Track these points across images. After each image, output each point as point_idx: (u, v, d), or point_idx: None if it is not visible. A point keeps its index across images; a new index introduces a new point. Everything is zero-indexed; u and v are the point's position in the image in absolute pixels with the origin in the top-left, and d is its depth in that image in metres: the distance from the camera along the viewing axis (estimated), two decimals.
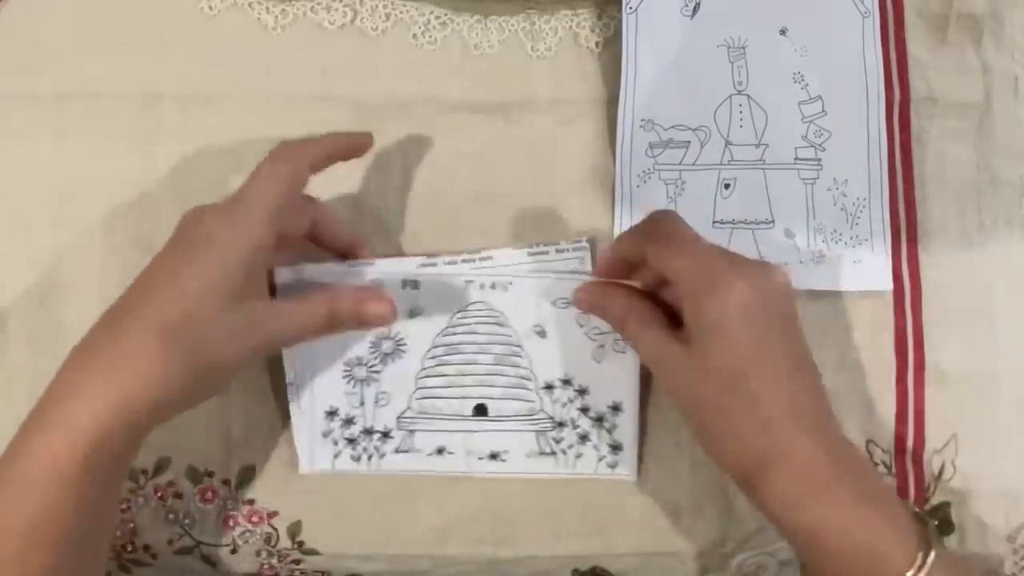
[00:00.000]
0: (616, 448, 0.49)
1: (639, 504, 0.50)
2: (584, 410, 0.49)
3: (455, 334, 0.49)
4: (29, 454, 0.38)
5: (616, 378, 0.49)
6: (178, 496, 0.50)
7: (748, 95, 0.51)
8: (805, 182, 0.50)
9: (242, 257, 0.41)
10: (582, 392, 0.49)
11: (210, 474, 0.50)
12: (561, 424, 0.49)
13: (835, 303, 0.50)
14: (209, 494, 0.50)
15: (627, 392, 0.49)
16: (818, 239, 0.50)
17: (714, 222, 0.51)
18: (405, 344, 0.49)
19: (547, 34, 0.52)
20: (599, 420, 0.49)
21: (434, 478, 0.50)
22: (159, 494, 0.50)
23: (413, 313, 0.48)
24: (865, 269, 0.50)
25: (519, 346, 0.49)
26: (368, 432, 0.49)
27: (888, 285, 0.50)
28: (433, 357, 0.49)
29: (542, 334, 0.49)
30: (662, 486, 0.50)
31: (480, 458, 0.50)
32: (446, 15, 0.52)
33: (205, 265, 0.41)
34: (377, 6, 0.51)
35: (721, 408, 0.41)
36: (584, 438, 0.49)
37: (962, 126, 0.52)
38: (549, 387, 0.49)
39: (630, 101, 0.50)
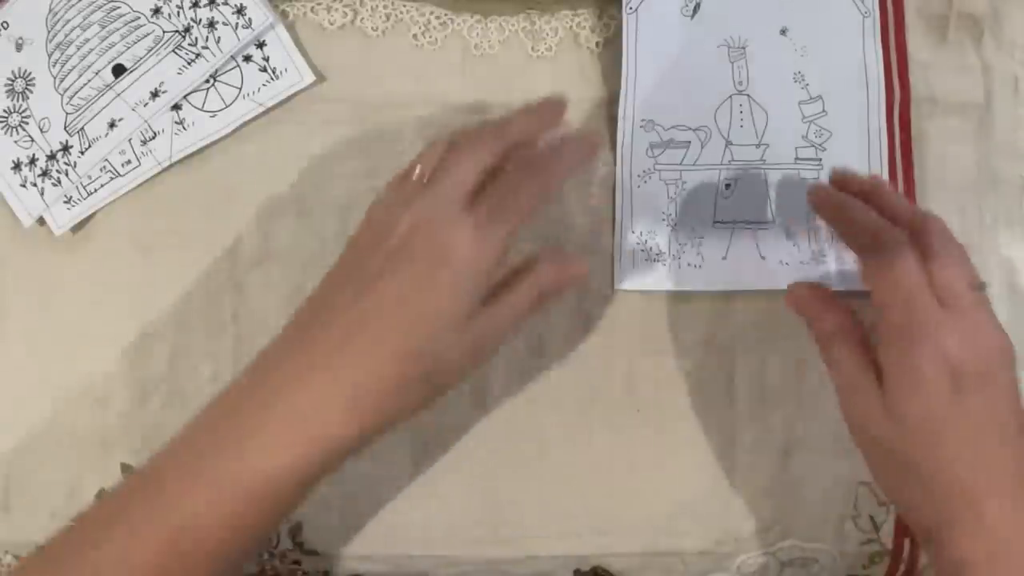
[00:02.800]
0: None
1: (639, 504, 0.51)
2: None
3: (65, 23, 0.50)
4: (257, 468, 0.37)
5: None
6: None
7: (748, 95, 0.51)
8: (805, 182, 0.51)
9: (484, 276, 0.39)
10: None
11: None
12: (188, 30, 0.49)
13: None
14: None
15: None
16: (818, 239, 0.50)
17: (715, 222, 0.51)
18: (30, 73, 0.50)
19: (547, 34, 0.52)
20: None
21: (432, 473, 0.50)
22: None
23: (19, 46, 0.50)
24: None
25: None
26: (51, 156, 0.50)
27: None
28: (56, 52, 0.50)
29: None
30: (663, 486, 0.51)
31: (145, 104, 0.50)
32: (446, 15, 0.52)
33: (448, 289, 0.38)
34: (377, 6, 0.52)
35: (911, 463, 0.40)
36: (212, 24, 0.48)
37: (962, 126, 0.52)
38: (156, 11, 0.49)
39: (630, 101, 0.51)
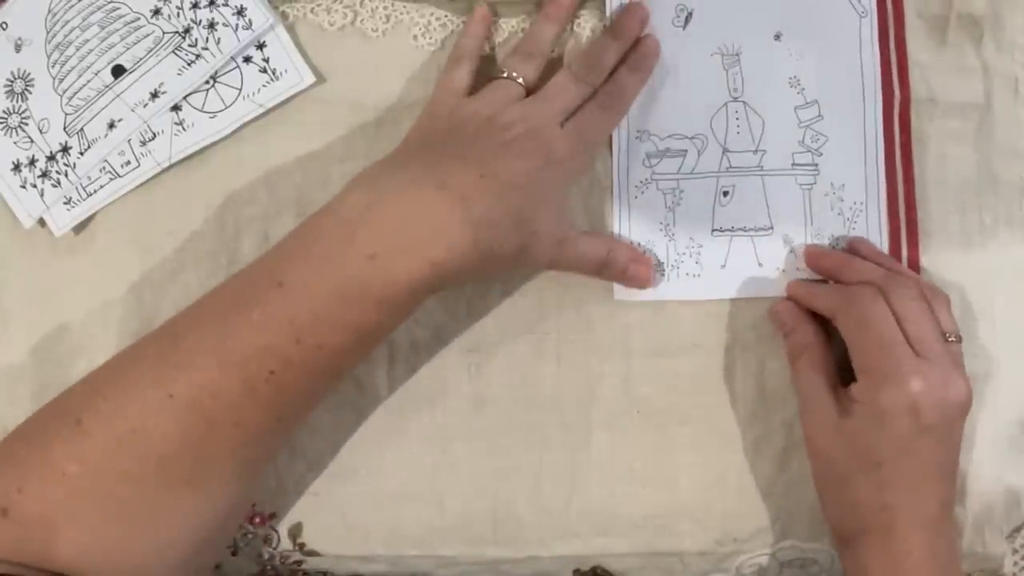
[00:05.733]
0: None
1: (639, 504, 0.51)
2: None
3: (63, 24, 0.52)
4: (389, 272, 0.42)
5: None
6: None
7: (744, 102, 0.51)
8: (802, 187, 0.51)
9: (573, 181, 0.49)
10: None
11: None
12: (187, 31, 0.50)
13: None
14: None
15: None
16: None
17: (713, 230, 0.51)
18: (30, 74, 0.52)
19: None
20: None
21: (432, 473, 0.51)
22: None
23: (18, 47, 0.51)
24: None
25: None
26: (51, 157, 0.51)
27: None
28: (55, 53, 0.52)
29: None
30: (663, 486, 0.52)
31: (145, 105, 0.51)
32: (446, 16, 0.52)
33: (551, 183, 0.46)
34: (377, 7, 0.52)
35: (849, 476, 0.46)
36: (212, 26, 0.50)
37: (962, 127, 0.53)
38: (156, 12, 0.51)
39: None
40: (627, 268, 0.50)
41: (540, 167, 0.45)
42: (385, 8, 0.53)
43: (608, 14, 0.52)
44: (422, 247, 0.42)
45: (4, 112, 0.53)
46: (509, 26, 0.53)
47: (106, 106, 0.51)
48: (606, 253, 0.49)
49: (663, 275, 0.52)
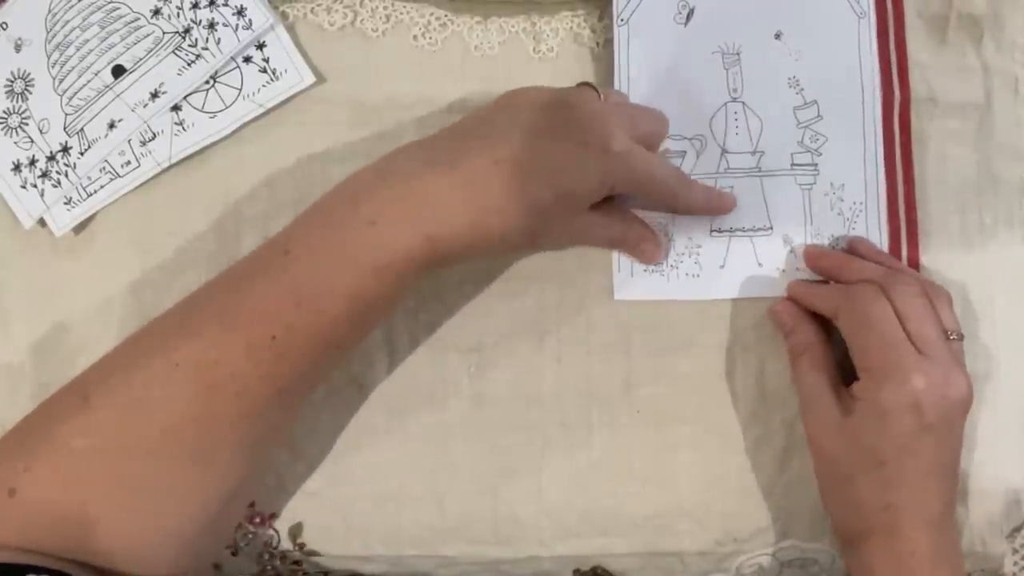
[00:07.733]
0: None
1: (639, 504, 0.52)
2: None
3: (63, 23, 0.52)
4: (383, 245, 0.42)
5: None
6: None
7: (743, 102, 0.52)
8: (802, 188, 0.52)
9: (610, 186, 0.46)
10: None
11: None
12: (188, 31, 0.51)
13: None
14: None
15: None
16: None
17: (712, 231, 0.52)
18: (30, 74, 0.52)
19: (548, 35, 0.53)
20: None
21: (432, 473, 0.52)
22: None
23: (18, 47, 0.52)
24: None
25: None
26: (51, 158, 0.52)
27: None
28: (55, 53, 0.52)
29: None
30: (663, 486, 0.52)
31: (145, 105, 0.51)
32: (446, 16, 0.53)
33: (593, 174, 0.45)
34: (377, 7, 0.53)
35: (852, 476, 0.46)
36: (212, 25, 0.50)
37: (963, 126, 0.53)
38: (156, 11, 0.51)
39: None
40: (637, 246, 0.51)
41: (579, 154, 0.44)
42: (385, 8, 0.53)
43: (615, 14, 0.52)
44: (419, 221, 0.42)
45: (4, 112, 0.53)
46: (509, 26, 0.53)
47: (106, 106, 0.52)
48: (620, 234, 0.50)
49: (663, 275, 0.52)
